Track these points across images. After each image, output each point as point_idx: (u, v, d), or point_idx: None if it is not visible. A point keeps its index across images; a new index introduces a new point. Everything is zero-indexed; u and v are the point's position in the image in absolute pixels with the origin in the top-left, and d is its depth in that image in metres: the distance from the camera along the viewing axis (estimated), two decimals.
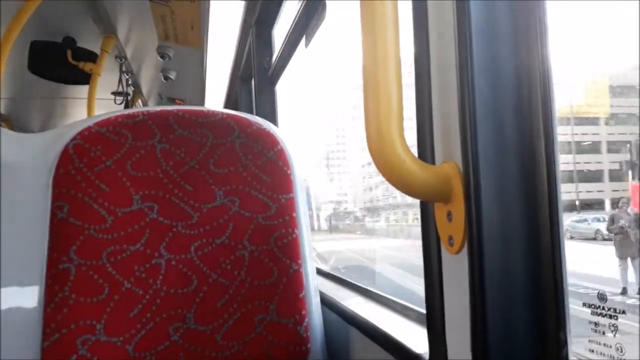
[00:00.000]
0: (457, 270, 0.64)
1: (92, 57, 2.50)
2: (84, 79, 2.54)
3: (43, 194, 1.01)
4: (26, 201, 1.02)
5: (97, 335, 0.98)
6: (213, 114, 1.10)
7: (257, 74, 2.26)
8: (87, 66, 2.49)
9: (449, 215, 0.64)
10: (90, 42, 2.43)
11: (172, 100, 3.58)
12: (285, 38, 1.88)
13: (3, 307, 0.97)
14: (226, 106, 3.63)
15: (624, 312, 0.57)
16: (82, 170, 1.03)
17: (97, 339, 0.98)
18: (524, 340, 0.60)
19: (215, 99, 3.89)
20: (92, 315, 0.99)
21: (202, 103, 3.63)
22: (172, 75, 2.99)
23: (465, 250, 0.62)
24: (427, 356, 0.73)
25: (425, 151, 0.71)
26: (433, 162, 0.69)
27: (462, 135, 0.61)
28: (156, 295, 1.03)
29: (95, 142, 1.04)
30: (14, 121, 3.71)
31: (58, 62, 2.45)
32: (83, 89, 2.65)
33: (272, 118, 2.21)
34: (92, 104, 2.61)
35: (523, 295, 0.60)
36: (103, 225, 1.02)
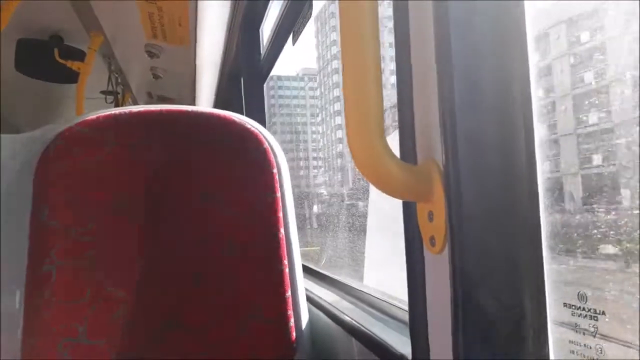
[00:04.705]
0: (439, 270, 0.63)
1: (80, 55, 2.47)
2: (73, 77, 2.51)
3: (24, 196, 0.99)
4: (6, 203, 1.00)
5: (78, 339, 0.97)
6: (197, 114, 1.09)
7: (245, 73, 2.25)
8: (75, 65, 2.46)
9: (430, 215, 0.64)
10: (78, 40, 2.41)
11: (162, 99, 3.55)
12: (272, 36, 1.87)
13: None
14: (216, 104, 3.61)
15: None
16: (63, 171, 1.01)
17: (78, 342, 0.97)
18: (505, 340, 0.60)
19: (206, 97, 3.87)
20: (73, 318, 0.97)
21: (193, 101, 3.60)
22: (162, 74, 2.96)
23: (446, 250, 0.61)
24: (410, 356, 0.73)
25: (407, 150, 0.70)
26: (415, 162, 0.68)
27: (442, 134, 0.61)
28: (139, 297, 1.02)
29: (77, 142, 1.03)
30: (2, 122, 3.66)
31: (45, 61, 2.42)
32: (73, 88, 2.63)
33: (261, 116, 2.21)
34: (81, 103, 2.58)
35: (504, 295, 0.60)
36: (85, 226, 1.01)
